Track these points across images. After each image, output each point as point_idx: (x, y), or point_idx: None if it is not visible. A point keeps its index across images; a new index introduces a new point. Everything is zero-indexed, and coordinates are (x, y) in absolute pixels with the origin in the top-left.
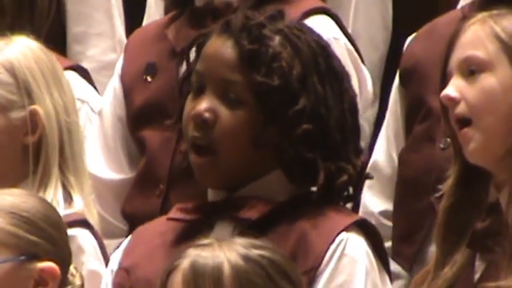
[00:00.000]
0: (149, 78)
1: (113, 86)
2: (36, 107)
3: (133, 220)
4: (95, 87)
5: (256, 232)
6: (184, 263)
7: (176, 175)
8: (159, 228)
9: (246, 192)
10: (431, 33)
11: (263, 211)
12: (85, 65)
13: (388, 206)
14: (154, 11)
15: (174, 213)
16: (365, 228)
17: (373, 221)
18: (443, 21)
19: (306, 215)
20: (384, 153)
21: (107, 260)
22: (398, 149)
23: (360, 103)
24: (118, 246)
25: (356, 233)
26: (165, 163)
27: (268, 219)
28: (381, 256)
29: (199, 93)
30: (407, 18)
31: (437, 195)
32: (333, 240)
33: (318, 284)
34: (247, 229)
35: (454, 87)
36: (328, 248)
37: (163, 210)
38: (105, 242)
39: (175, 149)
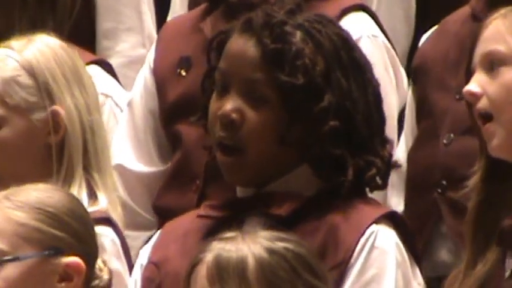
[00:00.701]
0: (183, 72)
1: (144, 78)
2: (57, 107)
3: (166, 214)
4: (118, 82)
5: (286, 227)
6: (209, 257)
7: (213, 171)
8: (189, 225)
9: (274, 188)
10: (442, 31)
11: (293, 207)
12: (114, 60)
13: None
14: (179, 7)
15: (203, 210)
16: (395, 220)
17: None
18: (452, 19)
19: (335, 208)
20: (403, 152)
21: (129, 256)
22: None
23: (398, 100)
24: (147, 240)
25: (386, 225)
26: (202, 159)
27: (298, 215)
28: (411, 248)
29: (223, 92)
30: (431, 13)
31: (440, 190)
32: (363, 233)
33: (348, 277)
34: (276, 225)
35: (476, 83)
36: (358, 241)
37: (200, 206)
38: (134, 233)
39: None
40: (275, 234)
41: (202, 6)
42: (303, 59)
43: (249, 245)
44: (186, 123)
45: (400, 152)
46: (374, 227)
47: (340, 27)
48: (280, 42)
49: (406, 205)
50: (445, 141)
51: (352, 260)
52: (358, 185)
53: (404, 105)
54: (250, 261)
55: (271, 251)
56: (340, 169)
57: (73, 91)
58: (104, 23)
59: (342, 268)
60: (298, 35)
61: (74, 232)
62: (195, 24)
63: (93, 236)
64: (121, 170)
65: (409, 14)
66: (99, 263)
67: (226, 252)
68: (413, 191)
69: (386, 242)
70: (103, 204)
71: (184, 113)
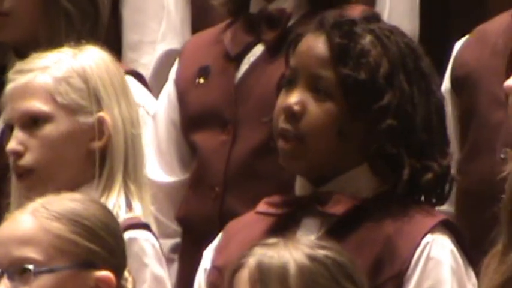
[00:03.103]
0: (202, 80)
1: (167, 91)
2: (103, 114)
3: (189, 223)
4: (150, 92)
5: (342, 228)
6: (251, 261)
7: (231, 178)
8: (248, 225)
9: (331, 187)
10: (482, 40)
11: (349, 207)
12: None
13: (449, 208)
14: None
15: (262, 207)
16: (449, 226)
17: None
18: (493, 28)
19: (391, 216)
20: None
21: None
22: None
23: None
24: (173, 247)
25: (440, 233)
26: (220, 166)
27: (354, 216)
28: (465, 251)
29: (290, 87)
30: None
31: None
32: (419, 244)
33: None
34: (333, 225)
35: None
36: (414, 252)
37: (221, 213)
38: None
39: (229, 152)
40: (316, 242)
41: (226, 21)
42: (367, 58)
43: (291, 251)
44: (204, 131)
45: None
46: (429, 237)
47: (410, 39)
48: (347, 39)
49: (461, 217)
50: (502, 155)
51: (409, 272)
52: (415, 190)
53: None
54: (292, 267)
55: (312, 258)
56: (397, 169)
57: (120, 103)
58: (129, 36)
59: (399, 280)
60: (368, 38)
61: (107, 246)
62: (216, 37)
63: (123, 250)
64: None
65: (415, 9)
66: (124, 273)
67: (268, 257)
68: (468, 204)
69: (441, 251)
70: (138, 213)
71: (203, 121)
